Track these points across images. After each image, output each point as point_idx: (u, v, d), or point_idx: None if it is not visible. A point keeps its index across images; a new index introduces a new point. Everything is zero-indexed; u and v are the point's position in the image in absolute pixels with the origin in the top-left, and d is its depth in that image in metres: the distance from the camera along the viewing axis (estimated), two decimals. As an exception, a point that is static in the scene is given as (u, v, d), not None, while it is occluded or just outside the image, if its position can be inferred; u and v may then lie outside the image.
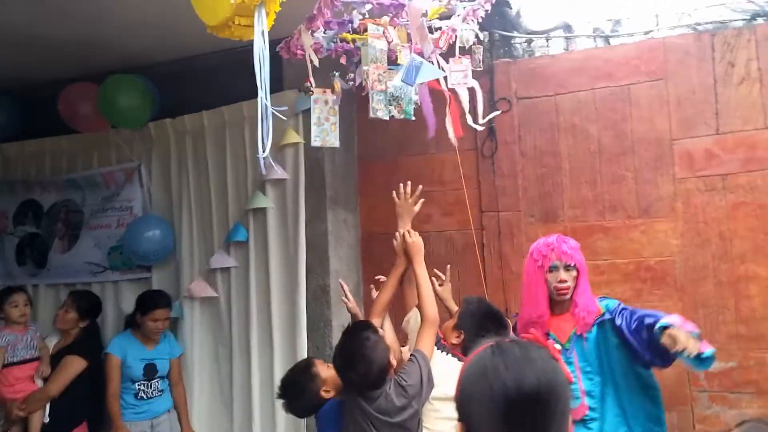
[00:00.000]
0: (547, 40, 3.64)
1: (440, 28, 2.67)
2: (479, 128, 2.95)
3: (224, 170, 3.94)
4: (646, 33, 3.47)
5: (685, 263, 3.36)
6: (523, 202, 3.65)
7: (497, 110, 3.43)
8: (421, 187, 2.82)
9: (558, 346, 2.66)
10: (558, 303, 2.72)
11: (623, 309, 2.64)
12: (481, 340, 1.26)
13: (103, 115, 4.03)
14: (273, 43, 3.55)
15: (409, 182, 2.83)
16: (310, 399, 2.55)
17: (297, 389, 2.57)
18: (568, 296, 2.69)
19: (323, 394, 2.55)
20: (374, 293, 2.89)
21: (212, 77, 4.12)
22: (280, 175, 3.68)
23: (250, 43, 3.64)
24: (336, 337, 3.65)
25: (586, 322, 2.65)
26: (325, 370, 2.60)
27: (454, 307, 3.04)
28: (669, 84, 3.40)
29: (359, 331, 2.42)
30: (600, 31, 3.55)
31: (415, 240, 2.69)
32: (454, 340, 2.70)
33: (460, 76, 2.74)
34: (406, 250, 2.70)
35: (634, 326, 2.55)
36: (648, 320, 2.50)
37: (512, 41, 3.73)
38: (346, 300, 2.90)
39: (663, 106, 3.41)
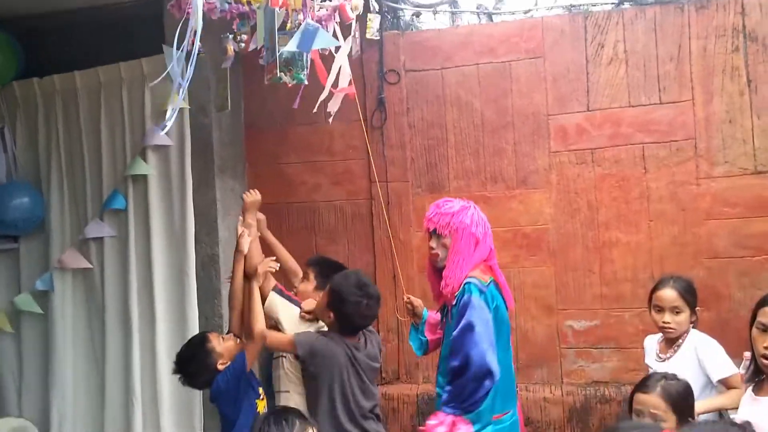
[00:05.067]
0: (434, 14, 3.72)
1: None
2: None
3: (99, 135, 3.71)
4: (526, 12, 3.64)
5: (558, 230, 3.61)
6: (411, 172, 3.75)
7: (387, 81, 3.51)
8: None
9: None
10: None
11: (460, 320, 2.46)
12: None
13: (-40, 72, 3.66)
14: (153, 4, 3.41)
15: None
16: (208, 374, 2.62)
17: (194, 366, 2.63)
18: (440, 263, 2.59)
19: (219, 366, 2.60)
20: None
21: (80, 36, 3.84)
22: (163, 141, 3.52)
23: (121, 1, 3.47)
24: (226, 307, 3.62)
25: (445, 296, 2.55)
26: (220, 344, 2.64)
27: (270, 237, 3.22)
28: (546, 62, 3.60)
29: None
30: (483, 8, 3.68)
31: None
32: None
33: (355, 46, 2.76)
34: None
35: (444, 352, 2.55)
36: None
37: (400, 14, 3.78)
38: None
39: (540, 83, 3.61)
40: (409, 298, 2.87)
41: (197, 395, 3.49)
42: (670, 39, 3.47)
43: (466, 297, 2.45)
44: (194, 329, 3.53)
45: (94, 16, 3.61)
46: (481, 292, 2.48)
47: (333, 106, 3.07)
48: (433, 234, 2.58)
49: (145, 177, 3.61)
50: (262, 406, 2.71)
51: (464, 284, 2.49)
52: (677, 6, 3.47)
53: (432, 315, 2.85)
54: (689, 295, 2.73)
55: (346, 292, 2.55)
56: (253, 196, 2.96)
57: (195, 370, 2.63)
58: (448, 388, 2.43)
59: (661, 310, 2.73)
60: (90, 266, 3.76)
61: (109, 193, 3.69)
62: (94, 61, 3.69)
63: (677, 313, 2.69)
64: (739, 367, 2.51)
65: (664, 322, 2.71)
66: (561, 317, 3.60)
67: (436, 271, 2.64)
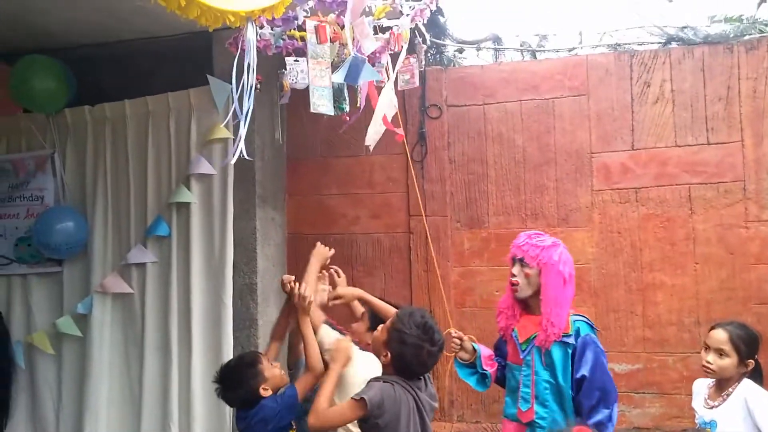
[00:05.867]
0: (478, 50, 3.74)
1: (390, 28, 2.71)
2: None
3: (145, 162, 3.79)
4: (570, 50, 3.64)
5: (599, 270, 3.54)
6: (450, 207, 3.74)
7: (428, 115, 3.53)
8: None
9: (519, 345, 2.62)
10: (530, 302, 2.62)
11: (584, 359, 2.49)
12: None
13: (15, 98, 3.78)
14: (203, 35, 3.50)
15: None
16: (247, 393, 2.55)
17: (237, 380, 2.56)
18: (519, 293, 2.58)
19: (262, 392, 2.55)
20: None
21: (133, 65, 3.96)
22: (206, 170, 3.58)
23: (175, 32, 3.58)
24: (262, 336, 3.62)
25: (548, 337, 2.51)
26: (269, 369, 2.59)
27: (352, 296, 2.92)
28: (590, 100, 3.58)
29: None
30: (527, 45, 3.69)
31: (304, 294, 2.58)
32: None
33: (407, 78, 2.79)
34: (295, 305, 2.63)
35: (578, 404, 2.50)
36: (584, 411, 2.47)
37: (443, 49, 3.81)
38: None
39: (584, 121, 3.58)
40: (458, 333, 2.79)
41: (228, 421, 3.48)
42: (718, 79, 3.42)
43: (585, 336, 2.52)
44: (229, 357, 3.54)
45: (146, 47, 3.71)
46: (591, 327, 2.57)
47: (373, 136, 3.05)
48: (519, 262, 2.58)
49: (187, 205, 3.66)
50: None
51: (573, 323, 2.53)
52: (726, 46, 3.42)
53: (484, 348, 2.80)
54: (742, 342, 2.61)
55: (408, 334, 2.27)
56: (325, 249, 2.79)
57: (237, 385, 2.57)
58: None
59: (707, 349, 2.64)
60: (131, 291, 3.81)
61: (153, 219, 3.75)
62: (144, 90, 3.79)
63: (722, 356, 2.59)
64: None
65: (706, 362, 2.61)
66: (602, 359, 3.50)
67: (516, 304, 2.65)
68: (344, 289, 2.76)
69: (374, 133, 3.01)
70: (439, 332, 2.34)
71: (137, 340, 3.81)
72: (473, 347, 2.76)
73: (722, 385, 2.62)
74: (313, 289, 2.67)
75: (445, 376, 3.25)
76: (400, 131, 3.01)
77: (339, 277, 2.98)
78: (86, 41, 3.83)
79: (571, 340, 2.50)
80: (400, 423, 2.26)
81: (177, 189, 3.66)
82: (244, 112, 2.21)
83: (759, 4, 3.48)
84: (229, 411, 3.46)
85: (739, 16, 3.53)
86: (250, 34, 2.23)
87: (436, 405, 2.50)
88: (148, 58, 3.84)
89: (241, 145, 2.30)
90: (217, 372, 2.66)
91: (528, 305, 2.63)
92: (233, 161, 2.21)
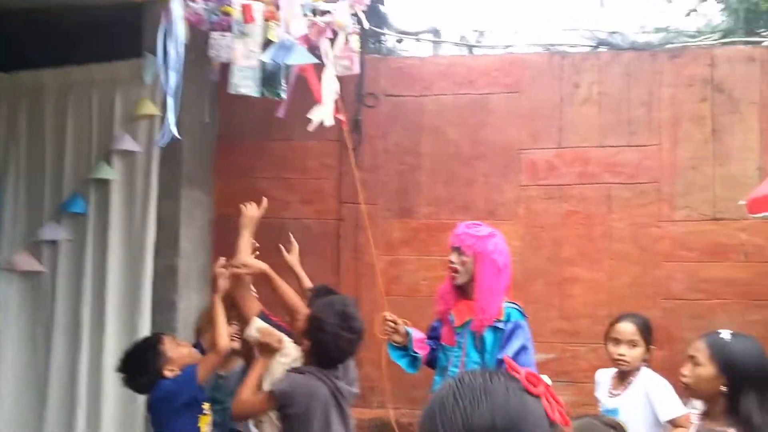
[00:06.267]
0: (417, 41, 3.76)
1: (328, 12, 2.67)
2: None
3: (64, 135, 3.59)
4: (506, 47, 3.71)
5: (522, 264, 3.64)
6: (382, 196, 3.75)
7: (364, 104, 3.51)
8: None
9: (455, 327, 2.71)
10: (467, 289, 2.69)
11: (510, 342, 2.59)
12: None
13: None
14: (134, 7, 3.34)
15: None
16: (152, 376, 2.49)
17: (139, 365, 2.51)
18: (457, 279, 2.68)
19: (167, 372, 2.50)
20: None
21: (61, 33, 3.71)
22: (130, 146, 3.43)
23: (106, 1, 3.39)
24: (182, 320, 3.52)
25: (481, 322, 2.61)
26: (174, 349, 2.54)
27: (302, 273, 2.92)
28: (522, 97, 3.66)
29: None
30: (465, 40, 3.73)
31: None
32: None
33: (346, 64, 2.76)
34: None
35: None
36: None
37: (382, 38, 3.80)
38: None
39: (515, 118, 3.67)
40: (392, 316, 2.85)
41: (140, 409, 3.37)
42: (642, 84, 3.58)
43: (514, 321, 2.62)
44: (147, 342, 3.42)
45: (75, 16, 3.49)
46: (523, 315, 2.67)
47: (317, 117, 2.99)
48: (456, 250, 2.70)
49: (107, 182, 3.49)
50: (205, 422, 2.60)
51: (505, 309, 2.64)
52: (651, 53, 3.58)
53: (416, 331, 2.87)
54: (646, 331, 2.79)
55: (326, 322, 2.29)
56: (252, 209, 2.67)
57: (139, 370, 2.50)
58: None
59: (618, 342, 2.77)
60: (41, 270, 3.61)
61: (69, 195, 3.56)
62: (71, 60, 3.58)
63: (633, 346, 2.74)
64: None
65: (619, 355, 2.75)
66: (519, 349, 3.62)
67: (454, 290, 2.74)
68: (252, 259, 2.60)
69: (322, 114, 2.95)
70: (359, 320, 2.36)
71: (46, 322, 3.62)
72: (406, 330, 2.83)
73: (625, 374, 2.77)
74: (245, 256, 2.57)
75: (365, 362, 3.26)
76: (342, 117, 2.98)
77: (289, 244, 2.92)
78: (13, 6, 3.56)
79: (502, 326, 2.61)
80: (312, 412, 2.30)
81: (97, 165, 3.49)
82: (173, 89, 2.12)
83: (688, 13, 3.65)
84: (141, 398, 3.35)
85: (666, 27, 3.70)
86: (177, 8, 2.16)
87: (356, 391, 2.54)
88: (77, 27, 3.61)
89: (173, 126, 2.21)
90: (119, 360, 2.56)
91: (465, 291, 2.72)
92: (165, 143, 2.11)
